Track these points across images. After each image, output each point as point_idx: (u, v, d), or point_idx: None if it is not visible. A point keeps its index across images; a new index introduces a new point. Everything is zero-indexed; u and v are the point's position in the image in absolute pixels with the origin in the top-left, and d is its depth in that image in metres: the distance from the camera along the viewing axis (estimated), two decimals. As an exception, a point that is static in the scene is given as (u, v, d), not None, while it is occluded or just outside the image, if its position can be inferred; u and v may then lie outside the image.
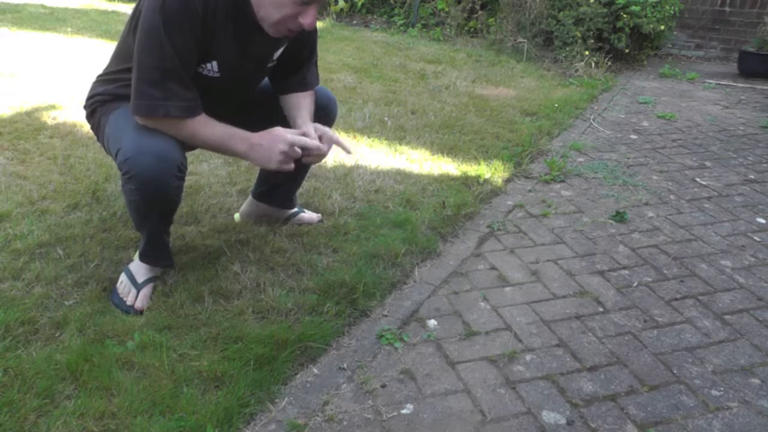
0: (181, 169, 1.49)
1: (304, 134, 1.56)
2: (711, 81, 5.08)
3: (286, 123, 1.72)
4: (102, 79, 1.68)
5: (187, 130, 1.48)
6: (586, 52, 4.99)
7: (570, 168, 2.86)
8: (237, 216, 2.10)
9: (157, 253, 1.67)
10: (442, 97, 3.86)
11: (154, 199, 1.50)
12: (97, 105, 1.66)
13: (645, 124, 3.74)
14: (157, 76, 1.40)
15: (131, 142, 1.44)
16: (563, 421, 1.37)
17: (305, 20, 1.41)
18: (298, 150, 1.49)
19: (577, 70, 4.82)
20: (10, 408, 1.25)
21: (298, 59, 1.74)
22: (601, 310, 1.80)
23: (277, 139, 1.48)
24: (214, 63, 1.52)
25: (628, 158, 3.09)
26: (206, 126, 1.49)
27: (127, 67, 1.51)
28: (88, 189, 2.20)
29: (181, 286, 1.69)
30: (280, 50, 1.68)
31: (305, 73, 1.76)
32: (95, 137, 1.73)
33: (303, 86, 1.75)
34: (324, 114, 1.84)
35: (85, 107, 1.70)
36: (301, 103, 1.72)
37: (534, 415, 1.38)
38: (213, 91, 1.55)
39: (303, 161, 1.57)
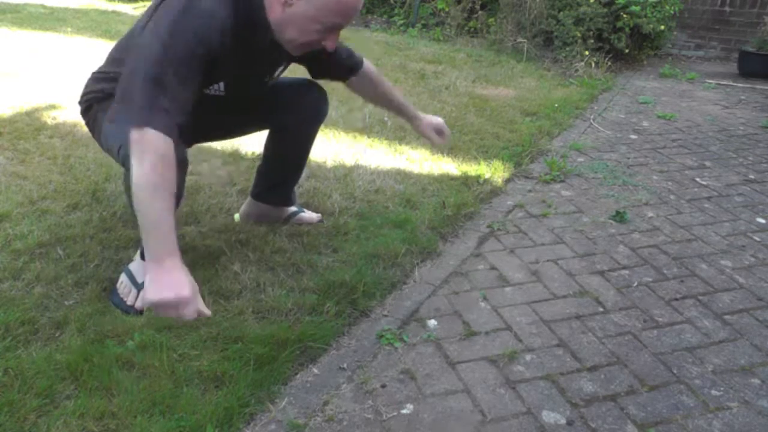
0: (184, 164, 1.48)
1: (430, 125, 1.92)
2: (711, 81, 5.07)
3: (282, 122, 1.74)
4: (99, 77, 1.66)
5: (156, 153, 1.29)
6: (586, 52, 4.99)
7: (570, 168, 2.86)
8: (237, 216, 2.10)
9: None
10: (442, 97, 3.85)
11: None
12: (94, 102, 1.64)
13: (645, 124, 3.74)
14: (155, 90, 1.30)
15: None
16: (563, 421, 1.37)
17: (328, 44, 1.45)
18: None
19: (577, 70, 4.81)
20: (10, 408, 1.25)
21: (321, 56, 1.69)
22: (601, 310, 1.79)
23: (183, 293, 1.21)
24: (221, 84, 1.53)
25: (628, 158, 3.09)
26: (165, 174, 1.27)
27: None
28: (88, 189, 2.20)
29: (181, 286, 1.69)
30: (281, 68, 1.70)
31: (344, 57, 1.78)
32: (90, 133, 1.72)
33: (354, 67, 1.81)
34: (314, 113, 1.86)
35: (80, 103, 1.69)
36: (387, 92, 1.90)
37: (534, 415, 1.38)
38: (215, 105, 1.57)
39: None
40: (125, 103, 1.31)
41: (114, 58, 1.63)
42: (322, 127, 1.96)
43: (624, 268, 2.03)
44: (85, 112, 1.69)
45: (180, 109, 1.31)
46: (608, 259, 2.09)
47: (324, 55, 1.61)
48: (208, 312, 1.25)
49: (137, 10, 6.33)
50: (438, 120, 1.96)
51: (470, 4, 6.11)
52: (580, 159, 3.04)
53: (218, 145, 2.56)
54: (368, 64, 1.84)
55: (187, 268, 1.25)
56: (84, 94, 1.68)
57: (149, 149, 1.24)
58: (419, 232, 2.09)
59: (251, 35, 1.43)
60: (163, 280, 1.20)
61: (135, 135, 1.25)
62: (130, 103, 1.29)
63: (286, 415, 1.33)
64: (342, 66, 1.80)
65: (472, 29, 6.11)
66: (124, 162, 1.46)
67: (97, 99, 1.64)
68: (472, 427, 1.33)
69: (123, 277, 1.67)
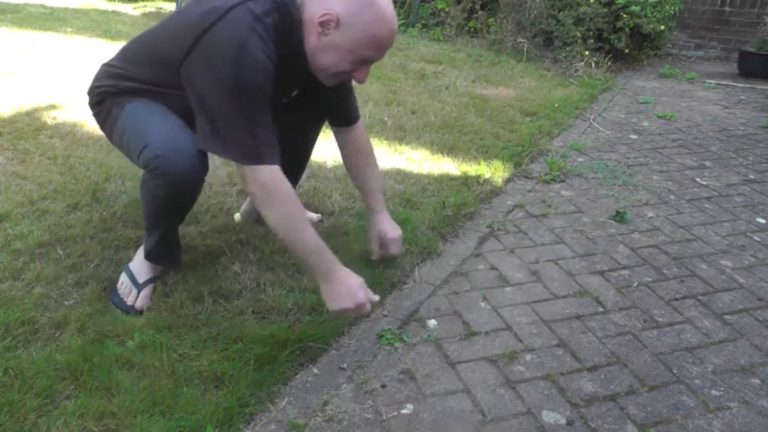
0: (207, 166, 1.49)
1: (381, 232, 1.79)
2: (711, 81, 5.07)
3: (285, 122, 1.73)
4: (111, 72, 1.60)
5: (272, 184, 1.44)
6: (586, 52, 4.99)
7: (570, 168, 2.86)
8: (237, 216, 2.10)
9: (167, 251, 1.67)
10: (442, 97, 3.86)
11: (182, 195, 1.50)
12: (107, 96, 1.58)
13: (645, 124, 3.74)
14: (246, 124, 1.37)
15: (160, 138, 1.42)
16: (563, 421, 1.37)
17: (359, 75, 1.47)
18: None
19: (577, 70, 4.82)
20: (10, 408, 1.25)
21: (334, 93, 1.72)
22: (601, 310, 1.80)
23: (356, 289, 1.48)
24: None
25: (628, 158, 3.09)
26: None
27: (149, 70, 1.51)
28: (88, 189, 2.20)
29: (181, 286, 1.69)
30: (295, 92, 1.71)
31: (346, 107, 1.77)
32: (100, 126, 1.65)
33: (348, 119, 1.77)
34: (316, 114, 1.85)
35: (90, 95, 1.63)
36: (363, 169, 1.81)
37: (534, 415, 1.38)
38: None
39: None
40: (233, 143, 1.36)
41: (128, 58, 1.58)
42: (322, 126, 1.96)
43: (624, 268, 2.03)
44: (96, 104, 1.62)
45: (275, 137, 1.41)
46: (608, 259, 2.09)
47: (332, 92, 1.64)
48: (376, 298, 1.53)
49: (137, 10, 6.33)
50: (393, 234, 1.81)
51: (470, 4, 6.11)
52: (580, 159, 3.04)
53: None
54: (361, 126, 1.80)
55: (348, 269, 1.49)
56: (95, 87, 1.61)
57: (275, 190, 1.41)
58: (419, 232, 2.09)
59: (291, 66, 1.44)
60: (341, 292, 1.46)
61: (257, 179, 1.38)
62: (235, 141, 1.36)
63: (286, 415, 1.33)
64: (343, 109, 1.76)
65: (472, 29, 6.11)
66: (147, 164, 1.44)
67: (109, 93, 1.58)
68: (472, 427, 1.34)
69: (123, 277, 1.67)
